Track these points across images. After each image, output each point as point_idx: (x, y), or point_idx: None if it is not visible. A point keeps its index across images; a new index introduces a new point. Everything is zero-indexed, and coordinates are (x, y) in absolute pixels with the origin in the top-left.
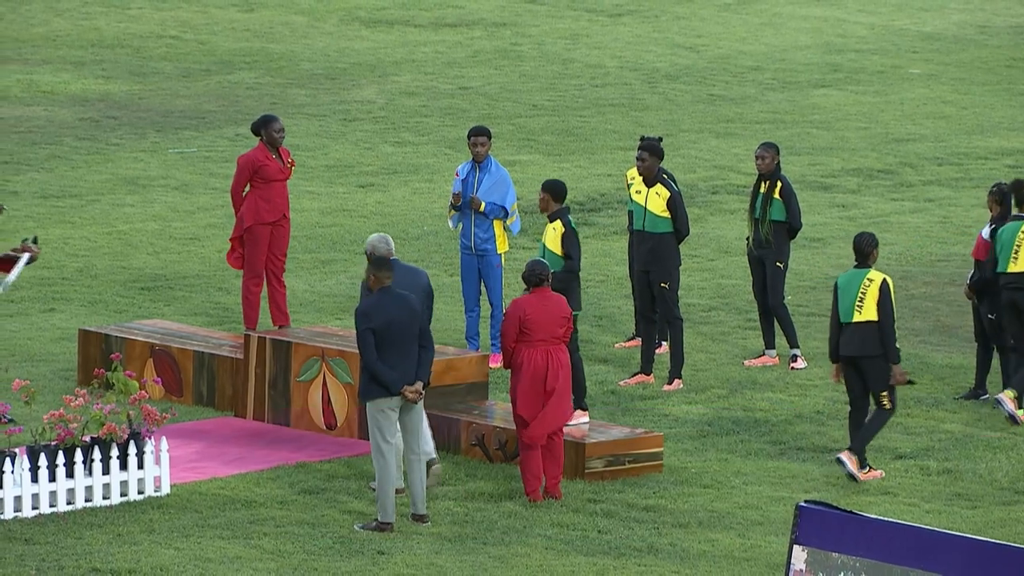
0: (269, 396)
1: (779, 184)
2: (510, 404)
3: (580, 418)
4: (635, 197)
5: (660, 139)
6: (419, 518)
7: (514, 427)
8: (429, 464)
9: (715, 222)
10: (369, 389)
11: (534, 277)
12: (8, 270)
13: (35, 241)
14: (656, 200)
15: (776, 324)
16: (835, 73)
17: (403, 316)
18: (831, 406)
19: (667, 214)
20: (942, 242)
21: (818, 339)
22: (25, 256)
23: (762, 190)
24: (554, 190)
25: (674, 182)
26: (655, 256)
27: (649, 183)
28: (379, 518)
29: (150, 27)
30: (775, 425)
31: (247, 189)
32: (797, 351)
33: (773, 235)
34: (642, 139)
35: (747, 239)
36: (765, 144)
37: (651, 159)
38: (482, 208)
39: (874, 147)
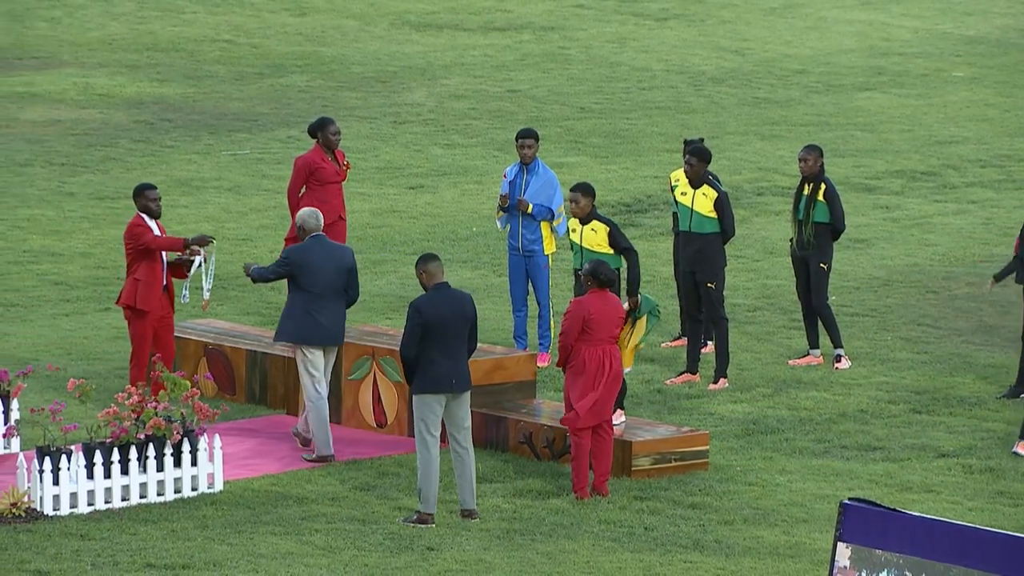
0: None
1: (823, 186)
2: (556, 402)
3: (618, 418)
4: (680, 199)
5: (702, 139)
6: (468, 513)
7: (561, 425)
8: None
9: (760, 223)
10: (416, 383)
11: (604, 279)
12: (182, 275)
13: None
14: (703, 201)
15: (816, 324)
16: (879, 76)
17: (455, 314)
18: (875, 405)
19: (714, 214)
20: (984, 243)
21: (862, 339)
22: (198, 259)
23: (806, 192)
24: (592, 193)
25: (719, 183)
26: (702, 257)
27: (695, 184)
28: (420, 509)
29: (204, 31)
30: (819, 424)
31: (303, 191)
32: (841, 351)
33: (816, 236)
34: (687, 142)
35: (790, 240)
36: (808, 147)
37: (699, 164)
38: (529, 210)
39: (917, 149)
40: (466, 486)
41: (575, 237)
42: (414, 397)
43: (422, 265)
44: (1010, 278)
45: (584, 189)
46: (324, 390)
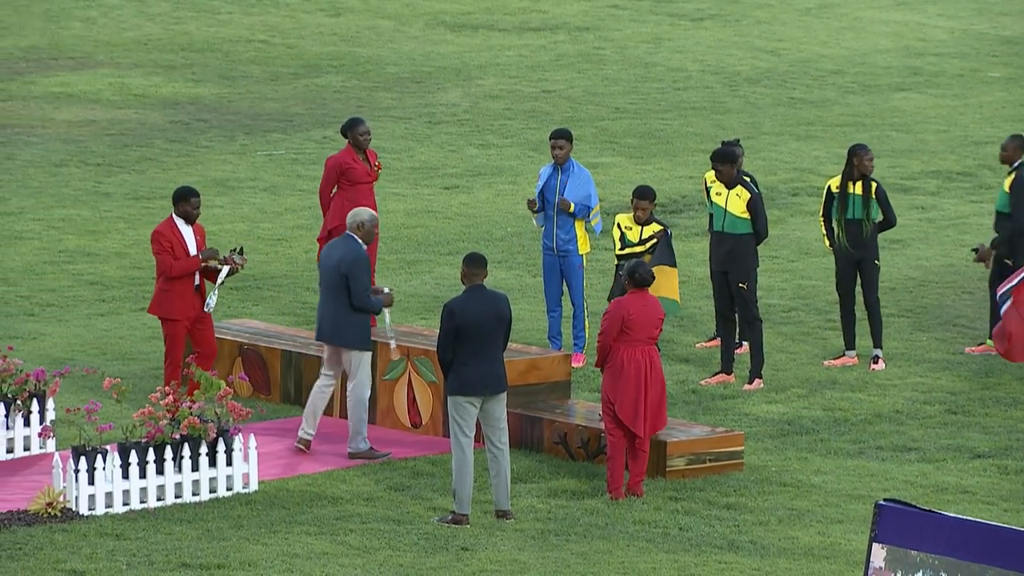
0: None
1: (873, 184)
2: (591, 403)
3: None
4: (715, 199)
5: (737, 140)
6: (503, 514)
7: (596, 426)
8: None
9: (795, 223)
10: (449, 384)
11: (643, 279)
12: (213, 280)
13: (240, 252)
14: (736, 201)
15: (854, 324)
16: (915, 77)
17: (489, 315)
18: (910, 406)
19: (747, 215)
20: None
21: (897, 340)
22: (225, 269)
23: (854, 191)
24: (655, 195)
25: (755, 184)
26: (733, 257)
27: (729, 186)
28: (455, 510)
29: (239, 31)
30: (854, 424)
31: (335, 190)
32: (879, 352)
33: (871, 234)
34: (723, 143)
35: (835, 239)
36: (866, 146)
37: (726, 167)
38: (572, 209)
39: (953, 150)
40: (501, 486)
41: (632, 235)
42: (448, 398)
43: (463, 266)
44: None
45: (651, 196)
46: (324, 382)
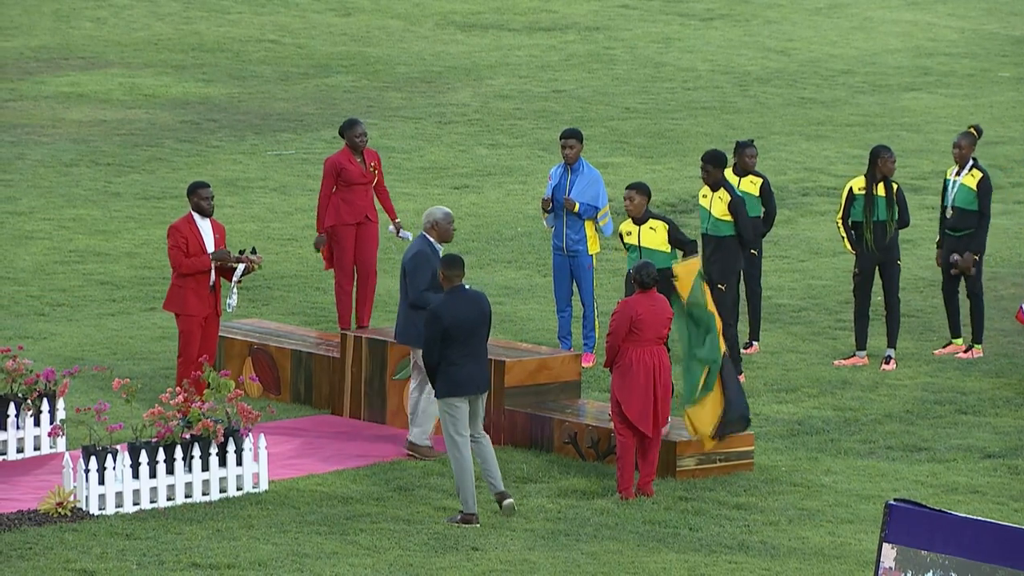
0: (365, 394)
1: (895, 186)
2: (601, 403)
3: None
4: (701, 201)
5: (751, 141)
6: (501, 495)
7: (606, 425)
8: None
9: (805, 223)
10: (439, 386)
11: (649, 279)
12: (229, 278)
13: (254, 251)
14: (719, 204)
15: (867, 325)
16: (925, 76)
17: (472, 316)
18: (920, 406)
19: (728, 217)
20: None
21: (907, 340)
22: (240, 267)
23: (879, 193)
24: (647, 192)
25: (767, 184)
26: (716, 259)
27: (714, 188)
28: (463, 510)
29: (249, 31)
30: (865, 424)
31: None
32: (892, 352)
33: (894, 234)
34: (738, 144)
35: (863, 241)
36: (890, 148)
37: (715, 169)
38: (576, 209)
39: None
40: (491, 469)
41: (631, 239)
42: (440, 401)
43: (441, 268)
44: None
45: (639, 188)
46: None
